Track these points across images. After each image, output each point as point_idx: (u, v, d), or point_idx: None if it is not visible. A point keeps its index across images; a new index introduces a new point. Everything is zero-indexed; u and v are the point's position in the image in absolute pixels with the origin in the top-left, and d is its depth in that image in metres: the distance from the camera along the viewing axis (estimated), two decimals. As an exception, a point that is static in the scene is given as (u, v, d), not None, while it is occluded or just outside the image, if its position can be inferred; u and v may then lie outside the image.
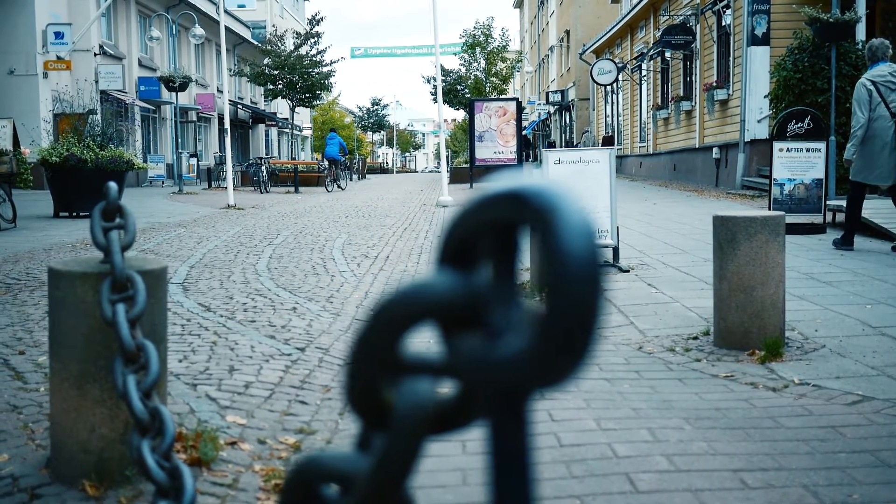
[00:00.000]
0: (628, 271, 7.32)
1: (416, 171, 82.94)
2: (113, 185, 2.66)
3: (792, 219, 8.50)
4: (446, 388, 0.66)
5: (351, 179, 41.19)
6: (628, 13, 27.24)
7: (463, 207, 0.56)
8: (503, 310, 0.53)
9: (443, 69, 27.01)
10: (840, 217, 10.41)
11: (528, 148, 39.13)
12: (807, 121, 9.66)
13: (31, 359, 4.34)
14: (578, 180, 7.63)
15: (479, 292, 0.55)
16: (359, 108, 75.45)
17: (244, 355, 4.50)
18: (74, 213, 14.22)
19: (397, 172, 66.26)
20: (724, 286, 4.47)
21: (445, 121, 20.04)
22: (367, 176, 47.05)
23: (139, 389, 2.15)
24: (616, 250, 7.61)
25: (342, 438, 3.27)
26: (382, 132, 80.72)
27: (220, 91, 34.43)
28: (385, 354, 0.62)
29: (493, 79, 36.73)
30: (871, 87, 8.12)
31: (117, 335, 2.28)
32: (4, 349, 4.55)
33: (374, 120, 73.26)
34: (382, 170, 66.51)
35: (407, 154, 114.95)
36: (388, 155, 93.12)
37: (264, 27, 45.48)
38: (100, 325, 2.57)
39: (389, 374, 0.63)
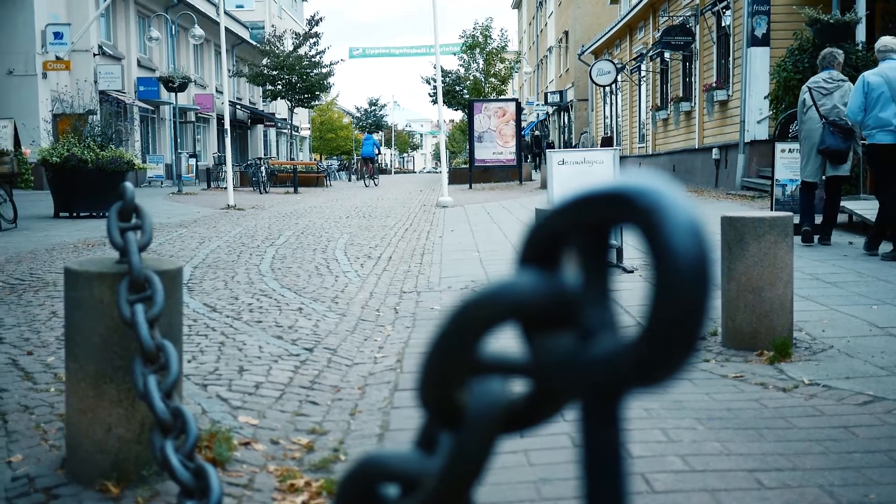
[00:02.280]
0: (633, 272, 7.32)
1: (414, 172, 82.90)
2: (129, 185, 2.66)
3: (794, 220, 8.54)
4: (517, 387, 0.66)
5: (350, 180, 41.26)
6: (627, 14, 27.24)
7: (553, 207, 0.56)
8: (595, 310, 0.53)
9: (442, 70, 27.04)
10: (841, 218, 10.42)
11: (538, 148, 39.14)
12: (808, 122, 9.66)
13: (40, 359, 4.34)
14: (581, 181, 7.65)
15: (567, 292, 0.56)
16: (357, 108, 75.42)
17: (252, 356, 4.50)
18: (75, 214, 14.21)
19: (395, 173, 66.23)
20: (732, 286, 4.47)
21: (443, 122, 20.05)
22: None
23: (160, 389, 2.15)
24: (620, 251, 7.61)
25: (354, 439, 3.27)
26: (380, 133, 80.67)
27: (218, 91, 34.43)
28: (465, 354, 0.62)
29: (493, 79, 36.74)
30: (807, 93, 8.72)
31: (137, 335, 2.28)
32: (13, 349, 4.55)
33: (372, 120, 73.21)
34: (381, 170, 66.43)
35: (405, 155, 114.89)
36: (385, 155, 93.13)
37: (263, 27, 45.47)
38: (116, 326, 2.57)
39: (468, 373, 0.63)
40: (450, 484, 0.67)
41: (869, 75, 8.05)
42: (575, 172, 7.65)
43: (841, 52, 9.08)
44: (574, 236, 0.54)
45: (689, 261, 0.45)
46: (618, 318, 0.53)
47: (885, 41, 8.30)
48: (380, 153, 34.40)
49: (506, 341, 0.62)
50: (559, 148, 37.53)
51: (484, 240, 10.47)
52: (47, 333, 4.97)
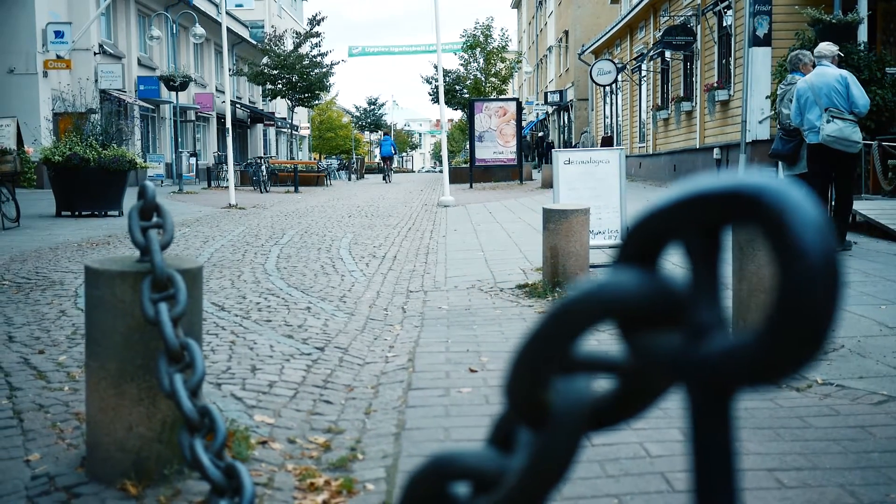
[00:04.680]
0: (638, 271, 7.32)
1: (413, 171, 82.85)
2: (150, 184, 2.66)
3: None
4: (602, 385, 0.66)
5: (350, 179, 41.25)
6: (628, 14, 27.23)
7: (656, 205, 0.56)
8: (705, 308, 0.53)
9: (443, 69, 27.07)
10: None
11: (542, 148, 39.27)
12: (811, 122, 9.72)
13: (52, 358, 4.34)
14: (586, 180, 7.64)
15: (673, 290, 0.56)
16: (356, 107, 75.34)
17: (264, 354, 4.51)
18: (76, 213, 14.19)
19: (394, 172, 66.12)
20: (743, 287, 4.47)
21: (445, 121, 20.06)
22: (366, 176, 47.01)
23: (186, 388, 2.15)
24: (626, 250, 7.60)
25: (371, 438, 3.27)
26: (379, 132, 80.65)
27: (219, 91, 34.39)
28: (560, 352, 0.62)
29: (493, 79, 36.72)
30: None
31: (162, 334, 2.28)
32: (24, 348, 4.55)
33: (371, 120, 73.14)
34: (380, 170, 66.45)
35: (403, 154, 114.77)
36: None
37: (262, 27, 45.42)
38: (138, 324, 2.57)
39: (561, 371, 0.63)
40: (534, 482, 0.67)
41: (799, 81, 8.42)
42: (581, 172, 7.64)
43: (807, 52, 9.21)
44: (681, 235, 0.55)
45: (819, 260, 0.45)
46: (728, 317, 0.53)
47: (819, 47, 8.55)
48: (396, 153, 40.49)
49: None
50: (559, 148, 37.50)
51: (487, 239, 10.47)
52: (57, 332, 4.97)
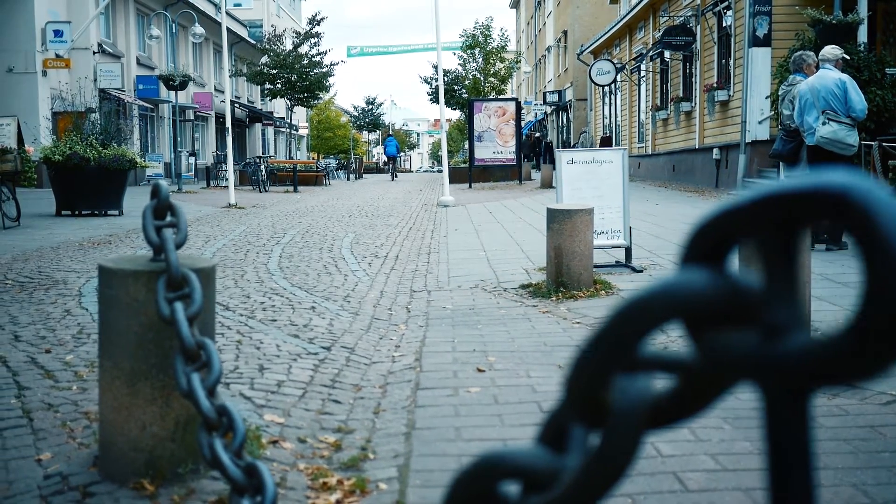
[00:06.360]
0: (641, 271, 7.34)
1: (412, 171, 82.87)
2: (163, 183, 2.66)
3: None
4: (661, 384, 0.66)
5: (348, 179, 41.23)
6: (627, 14, 27.25)
7: (732, 203, 0.56)
8: (782, 306, 0.53)
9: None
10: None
11: (538, 149, 39.42)
12: (813, 122, 9.76)
13: (59, 357, 4.34)
14: (589, 179, 7.65)
15: (745, 289, 0.56)
16: (354, 107, 75.30)
17: (271, 354, 4.51)
18: (76, 212, 14.18)
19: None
20: (749, 286, 4.48)
21: (444, 120, 20.05)
22: (364, 175, 47.00)
23: (203, 387, 2.14)
24: (629, 250, 7.62)
25: (381, 437, 3.27)
26: (378, 132, 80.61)
27: (217, 90, 34.36)
28: (626, 351, 0.62)
29: (492, 79, 36.72)
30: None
31: (178, 333, 2.28)
32: (30, 348, 4.55)
33: (370, 119, 73.10)
34: (378, 170, 66.43)
35: (402, 154, 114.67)
36: (382, 155, 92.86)
37: (261, 26, 45.37)
38: (151, 323, 2.57)
39: (626, 370, 0.64)
40: (592, 482, 0.66)
41: (801, 83, 8.47)
42: (583, 171, 7.65)
43: (811, 53, 9.25)
44: (758, 234, 0.55)
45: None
46: (806, 315, 0.53)
47: (824, 51, 8.61)
48: (399, 153, 44.22)
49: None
50: (558, 148, 37.50)
51: (489, 239, 10.47)
52: (63, 331, 4.97)
